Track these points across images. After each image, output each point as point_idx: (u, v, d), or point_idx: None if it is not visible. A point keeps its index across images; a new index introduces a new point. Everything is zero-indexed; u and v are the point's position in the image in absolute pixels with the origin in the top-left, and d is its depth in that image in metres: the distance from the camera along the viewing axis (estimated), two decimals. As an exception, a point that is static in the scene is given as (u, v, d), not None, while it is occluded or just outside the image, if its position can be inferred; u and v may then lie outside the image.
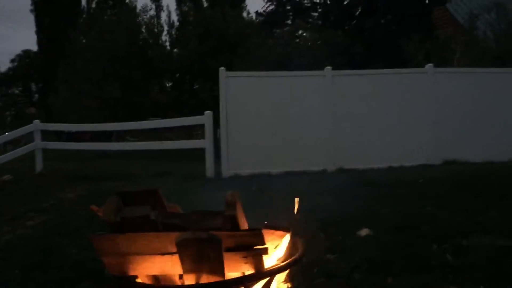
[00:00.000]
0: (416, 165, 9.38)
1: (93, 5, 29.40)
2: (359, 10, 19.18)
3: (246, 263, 2.25)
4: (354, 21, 19.04)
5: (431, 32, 16.45)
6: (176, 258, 2.19)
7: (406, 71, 10.66)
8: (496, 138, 9.69)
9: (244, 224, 2.41)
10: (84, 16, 28.15)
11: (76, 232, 5.15)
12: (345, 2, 19.44)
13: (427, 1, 18.53)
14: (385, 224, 4.94)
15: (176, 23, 24.36)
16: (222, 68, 9.89)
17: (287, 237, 2.50)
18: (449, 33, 15.92)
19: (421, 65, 11.08)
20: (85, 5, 29.96)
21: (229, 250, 2.20)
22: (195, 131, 18.08)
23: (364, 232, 4.75)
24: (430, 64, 10.28)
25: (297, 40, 16.86)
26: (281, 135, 9.61)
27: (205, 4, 22.50)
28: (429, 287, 3.25)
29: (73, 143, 13.11)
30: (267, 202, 5.62)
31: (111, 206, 2.30)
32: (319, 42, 15.98)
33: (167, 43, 23.47)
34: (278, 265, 2.38)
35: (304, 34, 17.55)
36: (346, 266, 3.81)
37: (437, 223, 4.90)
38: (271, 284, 2.35)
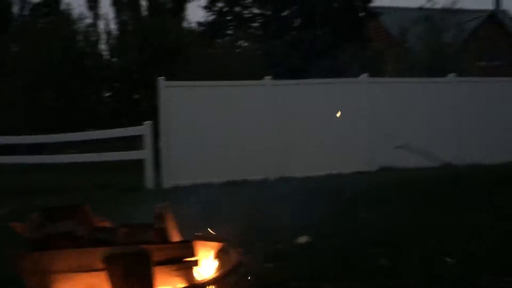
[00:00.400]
0: (354, 172, 9.65)
1: (26, 12, 28.14)
2: (298, 22, 19.59)
3: (177, 276, 2.20)
4: (294, 32, 19.42)
5: (366, 44, 17.09)
6: (104, 275, 2.11)
7: (343, 80, 10.99)
8: (427, 145, 10.17)
9: (175, 237, 2.36)
10: (16, 23, 26.85)
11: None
12: (284, 14, 19.81)
13: (361, 15, 19.21)
14: (324, 231, 5.01)
15: (115, 32, 23.77)
16: (161, 77, 9.76)
17: (221, 248, 2.48)
18: (382, 45, 16.60)
19: (357, 75, 11.45)
20: (17, 12, 28.63)
21: (159, 263, 2.15)
22: (136, 142, 17.64)
23: (303, 239, 4.80)
24: (365, 74, 10.65)
25: (238, 50, 16.96)
26: (222, 144, 9.58)
27: (145, 13, 22.11)
28: (364, 292, 3.31)
29: (6, 157, 12.39)
30: (207, 212, 5.55)
31: (33, 222, 2.19)
32: (259, 52, 16.16)
33: (105, 52, 22.85)
34: (212, 277, 2.34)
35: (245, 44, 17.69)
36: (285, 274, 3.81)
37: (372, 228, 5.03)
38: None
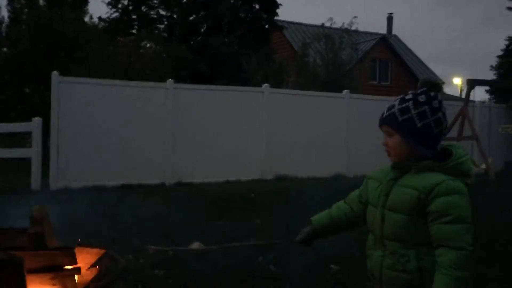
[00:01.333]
0: (251, 180, 9.81)
1: None
2: (205, 27, 19.56)
3: (54, 285, 2.05)
4: (199, 37, 19.35)
5: (269, 55, 17.55)
6: (-33, 284, 1.90)
7: (245, 89, 11.16)
8: (318, 156, 10.69)
9: (53, 242, 2.20)
10: None
11: None
12: (191, 18, 19.67)
13: (266, 26, 19.69)
14: (217, 237, 5.02)
15: (6, 20, 22.00)
16: (55, 72, 9.15)
17: (104, 255, 2.35)
18: (285, 57, 17.16)
19: (260, 84, 11.68)
20: None
21: (35, 271, 1.98)
22: (24, 139, 16.40)
23: (195, 245, 4.75)
24: (266, 84, 10.92)
25: (141, 51, 16.49)
26: (117, 146, 9.21)
27: (42, 3, 20.73)
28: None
29: None
30: (94, 217, 5.29)
31: None
32: (163, 54, 15.85)
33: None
34: (94, 285, 2.22)
35: (148, 45, 17.25)
36: (175, 282, 3.74)
37: (264, 235, 5.13)
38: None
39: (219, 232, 5.24)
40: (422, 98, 1.79)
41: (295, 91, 12.03)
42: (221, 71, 16.83)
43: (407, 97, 1.82)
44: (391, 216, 1.77)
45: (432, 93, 1.81)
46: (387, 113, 1.84)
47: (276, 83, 12.87)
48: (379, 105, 11.60)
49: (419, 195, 1.70)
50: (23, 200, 7.18)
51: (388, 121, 1.82)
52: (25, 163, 9.86)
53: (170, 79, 10.13)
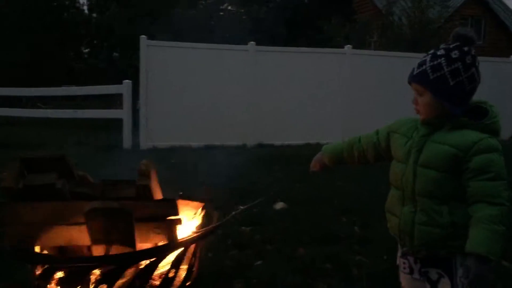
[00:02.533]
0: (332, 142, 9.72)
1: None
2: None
3: (158, 234, 2.21)
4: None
5: (351, 15, 16.97)
6: (84, 229, 2.11)
7: (327, 51, 10.92)
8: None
9: (157, 194, 2.36)
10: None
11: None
12: (270, -21, 19.43)
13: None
14: (300, 198, 5.10)
15: (95, -14, 23.03)
16: (143, 36, 9.52)
17: (202, 208, 2.49)
18: (368, 17, 16.50)
19: (340, 46, 11.39)
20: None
21: (141, 220, 2.15)
22: (113, 102, 17.37)
23: (279, 205, 4.87)
24: (348, 46, 10.62)
25: (221, 13, 16.64)
26: (202, 108, 9.49)
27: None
28: (337, 257, 3.40)
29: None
30: (185, 174, 5.56)
31: (12, 172, 2.15)
32: (244, 17, 15.88)
33: (85, 7, 22.18)
34: (192, 236, 2.36)
35: (229, 8, 17.34)
36: (261, 238, 3.88)
37: (347, 197, 5.13)
38: (185, 255, 2.33)
39: (302, 193, 5.31)
40: (455, 54, 1.71)
41: (379, 52, 11.60)
42: (301, 33, 16.57)
43: (439, 53, 1.74)
44: (424, 173, 1.75)
45: (466, 48, 1.71)
46: (417, 70, 1.77)
47: (359, 44, 12.47)
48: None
49: (457, 152, 1.69)
50: (117, 157, 7.71)
51: (418, 79, 1.76)
52: (113, 124, 10.48)
53: (252, 42, 10.15)
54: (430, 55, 1.76)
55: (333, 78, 10.20)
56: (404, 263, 1.92)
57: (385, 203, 1.97)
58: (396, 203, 1.87)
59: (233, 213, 2.48)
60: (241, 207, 2.48)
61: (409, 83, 1.82)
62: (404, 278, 1.96)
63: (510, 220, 1.65)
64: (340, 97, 10.22)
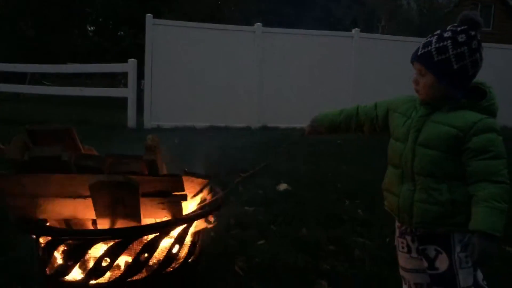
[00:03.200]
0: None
1: None
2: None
3: (163, 209, 2.21)
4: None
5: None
6: (89, 202, 2.10)
7: (334, 33, 10.82)
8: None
9: (163, 170, 2.35)
10: None
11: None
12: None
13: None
14: (304, 180, 5.09)
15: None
16: (149, 14, 9.44)
17: (206, 185, 2.48)
18: (376, 1, 16.30)
19: (348, 29, 11.28)
20: None
21: (146, 195, 2.14)
22: (117, 81, 17.34)
23: (283, 187, 4.87)
24: (356, 29, 10.51)
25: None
26: (207, 89, 9.46)
27: None
28: (340, 239, 3.40)
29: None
30: (188, 153, 5.55)
31: (18, 144, 2.13)
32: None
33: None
34: (196, 212, 2.36)
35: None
36: (264, 219, 3.88)
37: (351, 180, 5.12)
38: (188, 231, 2.33)
39: (306, 176, 5.30)
40: (462, 38, 1.70)
41: (387, 36, 11.48)
42: (309, 15, 16.41)
43: (445, 35, 1.72)
44: (423, 152, 1.77)
45: (472, 32, 1.70)
46: (422, 51, 1.76)
47: (366, 28, 12.35)
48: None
49: (457, 133, 1.71)
50: (123, 135, 7.71)
51: (422, 60, 1.75)
52: (117, 103, 10.46)
53: (258, 23, 10.06)
54: (436, 36, 1.75)
55: (340, 61, 10.13)
56: (402, 242, 1.97)
57: (383, 182, 1.98)
58: (394, 181, 1.89)
59: (236, 181, 2.48)
60: (242, 175, 2.47)
61: (412, 62, 1.82)
62: (402, 258, 2.00)
63: (511, 197, 1.69)
64: (347, 80, 10.15)
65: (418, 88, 1.80)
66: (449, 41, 1.70)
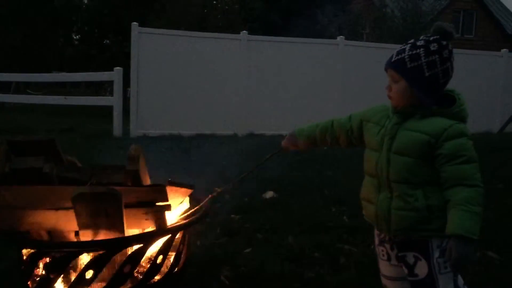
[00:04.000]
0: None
1: None
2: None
3: (147, 219, 2.20)
4: (273, -12, 19.01)
5: (344, 6, 16.94)
6: (71, 214, 2.08)
7: (320, 41, 10.91)
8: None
9: (146, 180, 2.34)
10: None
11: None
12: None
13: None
14: (290, 188, 5.10)
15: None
16: (134, 23, 9.44)
17: (190, 195, 2.48)
18: (360, 8, 16.48)
19: (334, 37, 11.38)
20: None
21: (129, 206, 2.13)
22: (103, 89, 17.26)
23: (269, 194, 4.88)
24: (341, 37, 10.61)
25: (215, 2, 16.52)
26: (193, 96, 9.46)
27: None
28: (326, 246, 3.42)
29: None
30: (174, 161, 5.55)
31: (-1, 156, 2.11)
32: (236, 6, 15.80)
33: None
34: (181, 223, 2.35)
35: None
36: (250, 226, 3.89)
37: (337, 187, 5.14)
38: (172, 242, 2.32)
39: (293, 183, 5.32)
40: (434, 47, 1.75)
41: (372, 44, 11.60)
42: (294, 23, 16.52)
43: (418, 43, 1.78)
44: (398, 159, 1.80)
45: (444, 42, 1.76)
46: (396, 58, 1.81)
47: (351, 36, 12.47)
48: (468, 60, 10.94)
49: (429, 139, 1.74)
50: (108, 144, 7.67)
51: (395, 66, 1.80)
52: (103, 111, 10.39)
53: (244, 31, 10.11)
54: (409, 45, 1.80)
55: (326, 68, 10.20)
56: (382, 250, 1.99)
57: (360, 192, 2.01)
58: (371, 190, 1.91)
59: (230, 184, 2.49)
60: (217, 190, 2.47)
61: (386, 69, 1.86)
62: (382, 265, 2.02)
63: (484, 200, 1.71)
64: (333, 87, 10.22)
65: (391, 95, 1.84)
66: (421, 49, 1.75)
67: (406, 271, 1.87)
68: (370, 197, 1.92)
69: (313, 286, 2.78)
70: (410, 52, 1.76)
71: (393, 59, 1.81)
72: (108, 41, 17.98)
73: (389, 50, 9.63)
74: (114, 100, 9.26)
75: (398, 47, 1.87)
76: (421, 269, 1.81)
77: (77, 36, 21.04)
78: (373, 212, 1.90)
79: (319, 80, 10.15)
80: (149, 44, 9.31)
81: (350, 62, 10.26)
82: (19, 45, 16.27)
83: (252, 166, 2.62)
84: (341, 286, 2.79)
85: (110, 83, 9.92)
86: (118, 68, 9.27)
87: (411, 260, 1.84)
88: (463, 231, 1.65)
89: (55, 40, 18.75)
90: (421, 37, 1.81)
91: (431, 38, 1.77)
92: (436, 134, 1.73)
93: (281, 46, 10.17)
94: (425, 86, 1.75)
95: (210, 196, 2.45)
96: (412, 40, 1.81)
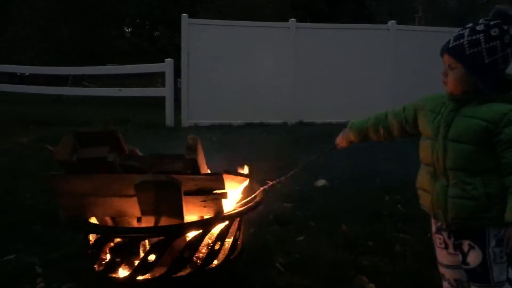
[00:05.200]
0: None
1: None
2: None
3: (205, 207, 2.27)
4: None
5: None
6: (134, 201, 2.18)
7: (369, 26, 10.68)
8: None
9: (204, 169, 2.41)
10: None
11: (30, 176, 5.02)
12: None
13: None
14: (342, 176, 5.07)
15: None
16: (184, 14, 9.59)
17: (246, 183, 2.53)
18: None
19: (384, 22, 11.11)
20: None
21: (188, 193, 2.20)
22: (154, 81, 17.68)
23: (320, 182, 4.88)
24: (392, 21, 10.34)
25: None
26: (242, 86, 9.53)
27: None
28: (380, 235, 3.39)
29: (27, 86, 12.55)
30: (226, 151, 5.63)
31: (66, 146, 2.24)
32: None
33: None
34: (237, 210, 2.41)
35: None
36: (302, 215, 3.91)
37: (390, 175, 5.06)
38: (229, 229, 2.38)
39: (344, 171, 5.28)
40: (494, 32, 1.67)
41: (425, 28, 11.23)
42: (342, 8, 16.24)
43: (478, 28, 1.70)
44: (455, 147, 1.75)
45: (505, 27, 1.68)
46: (453, 43, 1.73)
47: (402, 20, 12.12)
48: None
49: (487, 125, 1.68)
50: (162, 134, 7.88)
51: (453, 52, 1.73)
52: (154, 102, 10.64)
53: (292, 19, 10.04)
54: (468, 29, 1.73)
55: (376, 55, 9.98)
56: (439, 238, 1.96)
57: (416, 181, 1.98)
58: (428, 179, 1.87)
59: (289, 174, 2.53)
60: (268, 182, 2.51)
61: (441, 55, 1.80)
62: (440, 253, 1.99)
63: None
64: (384, 74, 10.01)
65: (447, 81, 1.79)
66: (481, 35, 1.69)
67: (460, 258, 1.85)
68: (426, 186, 1.89)
69: (368, 274, 2.77)
70: (470, 38, 1.70)
71: (450, 45, 1.75)
72: (158, 33, 18.36)
73: (444, 34, 9.38)
74: (166, 91, 9.47)
75: (453, 31, 1.81)
76: (473, 258, 1.79)
77: (129, 29, 21.60)
78: (429, 201, 1.87)
79: (370, 66, 9.96)
80: (198, 35, 9.44)
81: (402, 47, 9.98)
82: (74, 40, 16.90)
83: (304, 162, 2.65)
84: (397, 274, 2.77)
85: (161, 74, 10.15)
86: (169, 59, 9.46)
87: (465, 248, 1.81)
88: None
89: (107, 34, 19.32)
90: (480, 21, 1.73)
91: (492, 23, 1.70)
92: (495, 120, 1.68)
93: (330, 33, 10.04)
94: (484, 73, 1.70)
95: (263, 187, 2.49)
96: (470, 24, 1.75)
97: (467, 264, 1.81)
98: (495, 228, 1.73)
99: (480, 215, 1.73)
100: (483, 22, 1.73)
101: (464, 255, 1.81)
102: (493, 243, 1.74)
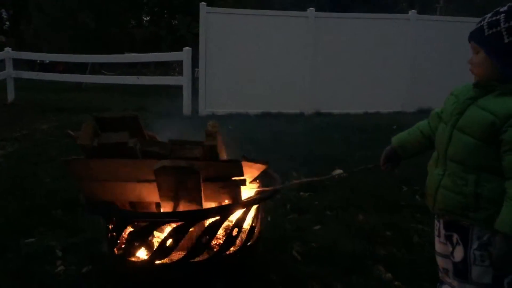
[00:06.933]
0: (392, 112, 9.49)
1: None
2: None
3: (223, 193, 2.28)
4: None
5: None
6: (153, 186, 2.20)
7: (389, 16, 10.52)
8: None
9: (223, 155, 2.41)
10: None
11: (50, 162, 5.09)
12: None
13: None
14: (359, 166, 5.03)
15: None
16: (203, 3, 9.56)
17: (264, 171, 2.53)
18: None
19: (404, 11, 10.94)
20: None
21: (207, 180, 2.21)
22: (171, 71, 17.74)
23: (337, 172, 4.84)
24: (413, 11, 10.17)
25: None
26: (260, 75, 9.49)
27: None
28: (398, 225, 3.37)
29: (47, 74, 12.68)
30: (244, 139, 5.64)
31: (87, 131, 2.26)
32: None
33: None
34: (255, 197, 2.41)
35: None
36: (319, 204, 3.90)
37: (408, 166, 5.00)
38: (247, 215, 2.39)
39: (362, 161, 5.23)
40: None
41: (446, 18, 11.02)
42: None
43: (501, 9, 1.60)
44: (458, 137, 1.66)
45: None
46: (476, 27, 1.65)
47: (423, 10, 11.92)
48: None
49: (494, 120, 1.56)
50: (179, 122, 7.91)
51: (474, 36, 1.65)
52: (170, 90, 10.65)
53: (311, 8, 9.95)
54: (493, 12, 1.65)
55: (396, 45, 9.84)
56: (436, 225, 1.90)
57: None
58: (431, 163, 1.83)
59: (333, 174, 2.53)
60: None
61: (469, 41, 1.72)
62: (436, 241, 1.93)
63: None
64: (403, 65, 9.87)
65: (472, 68, 1.71)
66: (502, 15, 1.59)
67: (450, 249, 1.80)
68: (429, 169, 1.83)
69: (386, 264, 2.76)
70: (490, 19, 1.61)
71: (473, 29, 1.69)
72: (176, 22, 18.37)
73: (465, 24, 9.19)
74: (184, 80, 9.49)
75: (475, 21, 1.74)
76: (458, 253, 1.74)
77: (147, 18, 21.68)
78: (426, 185, 1.83)
79: (389, 56, 9.83)
80: (216, 24, 9.41)
81: (422, 38, 9.82)
82: (93, 28, 17.03)
83: (339, 174, 2.63)
84: (414, 264, 2.75)
85: (179, 63, 10.15)
86: (187, 48, 9.46)
87: (454, 241, 1.76)
88: (508, 230, 1.52)
89: (126, 22, 19.42)
90: (507, 4, 1.64)
91: None
92: (505, 115, 1.54)
93: (349, 22, 9.92)
94: (504, 54, 1.57)
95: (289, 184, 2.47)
96: (497, 8, 1.66)
97: (453, 257, 1.77)
98: (479, 231, 1.66)
99: (465, 212, 1.66)
100: (509, 4, 1.64)
101: (453, 248, 1.77)
102: (475, 245, 1.68)
